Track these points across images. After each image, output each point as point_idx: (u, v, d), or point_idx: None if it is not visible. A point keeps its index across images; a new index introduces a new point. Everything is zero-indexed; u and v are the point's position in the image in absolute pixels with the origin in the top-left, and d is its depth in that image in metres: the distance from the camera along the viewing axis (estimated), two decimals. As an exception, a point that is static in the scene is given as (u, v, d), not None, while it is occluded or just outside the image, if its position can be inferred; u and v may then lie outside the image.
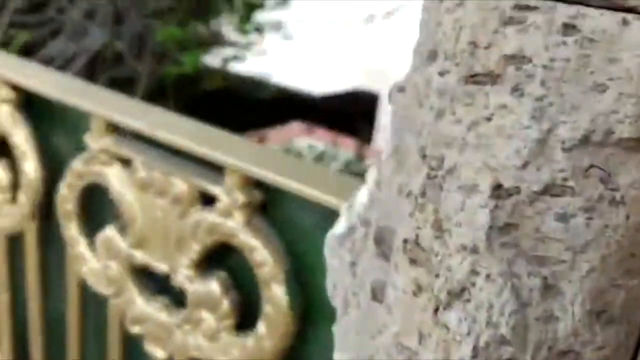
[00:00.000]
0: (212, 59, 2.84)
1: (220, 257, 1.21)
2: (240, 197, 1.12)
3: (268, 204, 1.13)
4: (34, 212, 1.46)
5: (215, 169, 1.15)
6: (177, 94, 2.87)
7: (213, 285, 1.21)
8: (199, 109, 3.42)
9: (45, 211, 1.45)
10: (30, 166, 1.43)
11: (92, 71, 2.45)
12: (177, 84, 2.67)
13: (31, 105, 1.43)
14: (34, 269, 1.52)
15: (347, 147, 4.20)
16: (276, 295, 1.12)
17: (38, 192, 1.43)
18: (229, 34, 2.78)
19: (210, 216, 1.17)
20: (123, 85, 2.55)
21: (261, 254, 1.12)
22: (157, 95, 2.78)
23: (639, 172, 0.42)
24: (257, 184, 1.11)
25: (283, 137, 4.72)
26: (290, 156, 1.26)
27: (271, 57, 3.27)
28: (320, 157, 3.78)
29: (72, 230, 1.39)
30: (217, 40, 2.65)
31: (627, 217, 0.43)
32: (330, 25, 3.09)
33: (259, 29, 2.48)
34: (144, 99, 2.63)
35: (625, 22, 0.41)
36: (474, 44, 0.44)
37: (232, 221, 1.14)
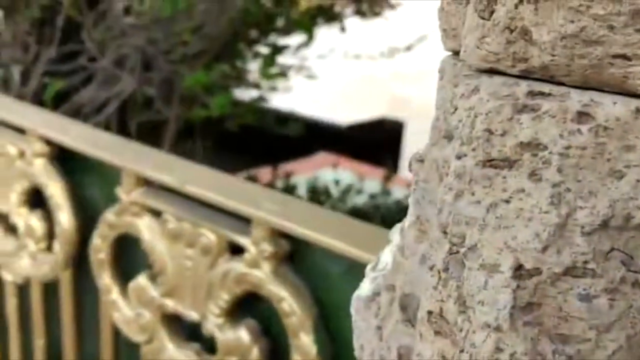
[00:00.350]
0: (240, 93, 2.87)
1: (250, 305, 1.22)
2: (267, 248, 1.13)
3: (295, 253, 1.14)
4: (68, 261, 1.48)
5: (243, 220, 1.16)
6: (205, 132, 2.90)
7: (242, 333, 1.21)
8: (228, 145, 3.45)
9: (79, 260, 1.47)
10: (65, 217, 1.46)
11: (123, 116, 2.50)
12: (204, 123, 2.71)
13: (65, 158, 1.46)
14: (69, 315, 1.54)
15: (374, 176, 4.20)
16: (304, 344, 1.12)
17: (72, 241, 1.46)
18: (254, 74, 2.82)
19: (238, 266, 1.18)
20: (153, 128, 2.59)
21: (289, 304, 1.13)
22: (186, 135, 2.82)
23: (659, 254, 0.42)
24: (284, 235, 1.12)
25: (309, 169, 4.73)
26: (315, 207, 1.27)
27: (296, 93, 3.30)
28: (346, 191, 3.79)
29: (105, 278, 1.41)
30: (242, 82, 2.68)
31: (650, 299, 0.43)
32: (352, 59, 3.12)
33: (283, 73, 2.51)
34: (173, 140, 2.67)
35: (638, 111, 0.41)
36: (489, 131, 0.44)
37: (259, 271, 1.15)
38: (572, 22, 0.41)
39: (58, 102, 2.48)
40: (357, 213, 3.76)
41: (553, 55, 0.43)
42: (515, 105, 0.44)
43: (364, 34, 3.00)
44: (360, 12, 2.58)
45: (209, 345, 1.28)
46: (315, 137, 5.21)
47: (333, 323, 1.11)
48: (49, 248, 1.51)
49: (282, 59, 2.61)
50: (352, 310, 0.73)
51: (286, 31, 2.57)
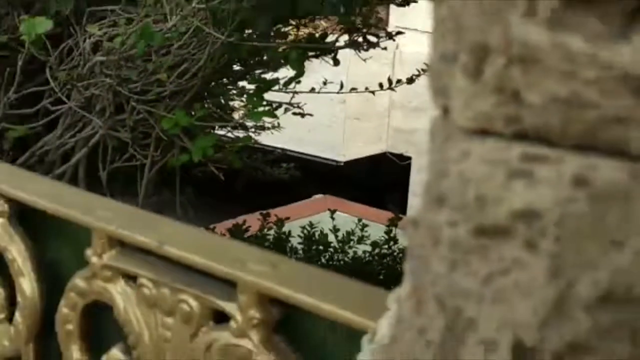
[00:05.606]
0: (224, 133, 2.92)
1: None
2: (256, 315, 1.15)
3: (286, 320, 1.16)
4: (31, 333, 1.50)
5: (228, 284, 1.18)
6: (186, 178, 2.94)
7: (229, 411, 1.22)
8: (212, 191, 3.48)
9: (44, 331, 1.48)
10: (27, 283, 1.48)
11: (92, 163, 2.54)
12: (185, 168, 2.75)
13: (28, 218, 1.48)
14: (32, 394, 1.54)
15: (379, 220, 4.23)
16: (300, 421, 1.13)
17: (36, 311, 1.48)
18: (239, 113, 2.87)
19: (223, 336, 1.19)
20: (127, 176, 2.63)
21: (281, 377, 1.14)
22: (165, 182, 2.86)
23: (666, 327, 0.45)
24: (274, 300, 1.14)
25: (304, 214, 4.77)
26: (309, 267, 1.29)
27: (288, 130, 3.36)
28: (346, 240, 3.81)
29: (73, 352, 1.43)
30: (226, 122, 2.73)
31: (659, 375, 0.45)
32: (349, 92, 3.18)
33: (272, 111, 2.56)
34: (150, 189, 2.70)
35: (636, 176, 0.44)
36: (481, 198, 0.47)
37: (247, 341, 1.17)
38: (563, 86, 0.45)
39: (19, 150, 2.52)
40: (359, 264, 3.78)
41: (545, 117, 0.47)
42: (508, 170, 0.48)
43: (361, 66, 3.06)
44: (355, 44, 2.64)
45: None
46: (310, 177, 5.25)
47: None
48: (10, 319, 1.52)
49: (270, 95, 2.66)
50: (350, 386, 0.75)
51: (274, 65, 2.62)
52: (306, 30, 2.72)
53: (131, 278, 1.30)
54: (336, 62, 2.67)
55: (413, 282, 0.62)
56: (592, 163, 0.45)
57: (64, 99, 2.46)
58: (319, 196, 6.02)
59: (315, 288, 1.10)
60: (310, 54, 2.63)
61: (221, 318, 1.20)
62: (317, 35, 2.68)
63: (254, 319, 1.15)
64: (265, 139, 3.41)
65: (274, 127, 3.13)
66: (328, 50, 2.64)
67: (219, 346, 1.20)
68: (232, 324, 1.17)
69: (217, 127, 2.78)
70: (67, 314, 1.41)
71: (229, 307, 1.17)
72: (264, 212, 3.89)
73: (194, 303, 1.22)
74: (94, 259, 1.34)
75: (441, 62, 0.53)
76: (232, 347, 1.18)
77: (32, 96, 2.56)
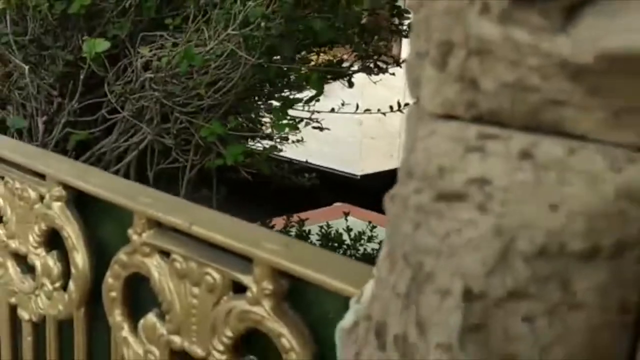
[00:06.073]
0: (254, 145, 2.95)
1: (252, 342, 1.24)
2: (268, 286, 1.16)
3: (294, 291, 1.17)
4: (82, 299, 1.52)
5: (245, 260, 1.20)
6: (221, 180, 2.97)
7: (244, 370, 1.23)
8: (244, 195, 3.50)
9: (93, 298, 1.51)
10: (79, 257, 1.50)
11: (142, 164, 2.57)
12: (220, 171, 2.77)
13: (82, 202, 1.51)
14: (82, 352, 1.57)
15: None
16: (302, 379, 1.14)
17: (86, 281, 1.50)
18: (267, 127, 2.90)
19: (240, 304, 1.21)
20: (170, 175, 2.66)
21: (288, 340, 1.15)
22: (202, 183, 2.88)
23: (594, 279, 0.46)
24: (284, 273, 1.16)
25: (324, 218, 4.80)
26: (313, 247, 1.31)
27: (311, 146, 3.38)
28: (357, 239, 3.82)
29: (116, 316, 1.44)
30: (255, 133, 2.75)
31: (587, 320, 0.46)
32: (363, 113, 3.19)
33: (294, 124, 2.58)
34: (190, 187, 2.73)
35: (571, 151, 0.45)
36: (442, 169, 0.48)
37: (260, 308, 1.18)
38: (511, 72, 0.46)
39: (80, 151, 2.56)
40: (369, 259, 3.80)
41: (497, 101, 0.48)
42: (466, 146, 0.49)
43: (374, 89, 3.07)
44: (367, 68, 2.65)
45: (213, 382, 1.27)
46: (331, 187, 5.29)
47: (330, 357, 1.13)
48: (64, 287, 1.55)
49: (295, 113, 2.68)
50: (337, 341, 0.76)
51: (298, 86, 2.65)
52: (325, 57, 2.75)
53: (165, 254, 1.32)
54: (351, 85, 2.69)
55: (389, 246, 0.63)
56: (535, 140, 0.46)
57: (119, 109, 2.50)
58: (338, 204, 6.06)
59: (319, 264, 1.11)
60: (329, 76, 2.65)
61: (239, 288, 1.21)
62: (334, 60, 2.70)
63: (267, 289, 1.16)
64: (294, 153, 3.43)
65: (298, 140, 3.16)
66: (344, 74, 2.65)
67: (237, 312, 1.21)
68: (248, 293, 1.18)
69: (247, 138, 2.81)
70: (112, 283, 1.43)
71: (246, 279, 1.18)
72: (290, 214, 3.92)
73: (217, 275, 1.23)
74: (135, 237, 1.36)
75: (416, 58, 0.54)
76: (248, 313, 1.19)
77: (92, 106, 2.61)
